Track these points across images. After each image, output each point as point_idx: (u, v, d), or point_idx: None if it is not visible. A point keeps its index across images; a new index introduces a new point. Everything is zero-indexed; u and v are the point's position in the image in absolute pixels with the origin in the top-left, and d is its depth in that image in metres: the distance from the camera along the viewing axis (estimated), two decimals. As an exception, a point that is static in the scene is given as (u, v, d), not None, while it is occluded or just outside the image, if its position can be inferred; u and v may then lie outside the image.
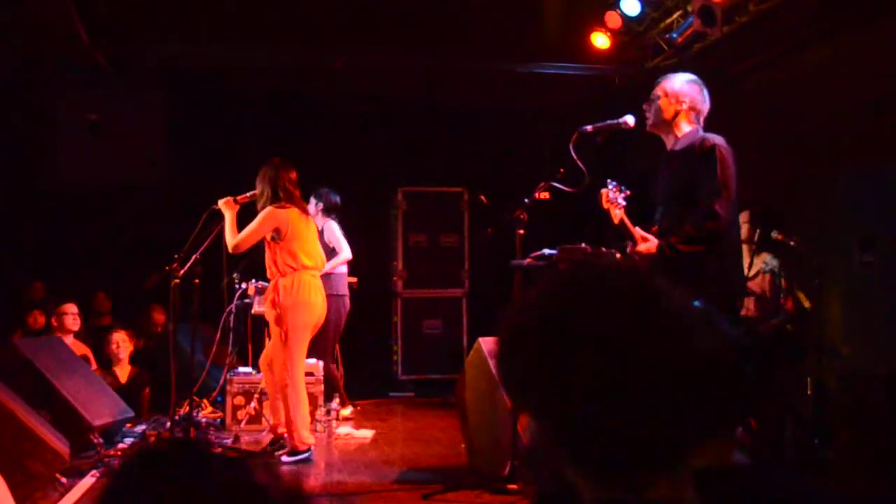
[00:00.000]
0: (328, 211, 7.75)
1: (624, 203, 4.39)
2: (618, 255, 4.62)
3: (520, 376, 1.16)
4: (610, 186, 4.43)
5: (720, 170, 4.26)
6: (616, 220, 4.39)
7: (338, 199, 7.87)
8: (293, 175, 6.12)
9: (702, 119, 4.55)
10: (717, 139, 4.37)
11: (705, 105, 4.54)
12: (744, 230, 6.49)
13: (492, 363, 5.38)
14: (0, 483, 3.36)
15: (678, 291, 1.14)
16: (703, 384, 1.09)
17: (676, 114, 4.49)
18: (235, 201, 6.07)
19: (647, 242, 4.33)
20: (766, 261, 6.55)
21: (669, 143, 4.56)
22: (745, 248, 6.56)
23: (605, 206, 4.42)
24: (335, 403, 7.23)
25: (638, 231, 4.39)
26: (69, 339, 7.52)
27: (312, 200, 7.62)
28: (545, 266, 4.51)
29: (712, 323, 1.15)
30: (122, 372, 7.55)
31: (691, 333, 1.11)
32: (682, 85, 4.52)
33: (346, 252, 7.58)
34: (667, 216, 4.48)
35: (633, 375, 1.07)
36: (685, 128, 4.50)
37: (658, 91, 4.53)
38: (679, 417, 1.08)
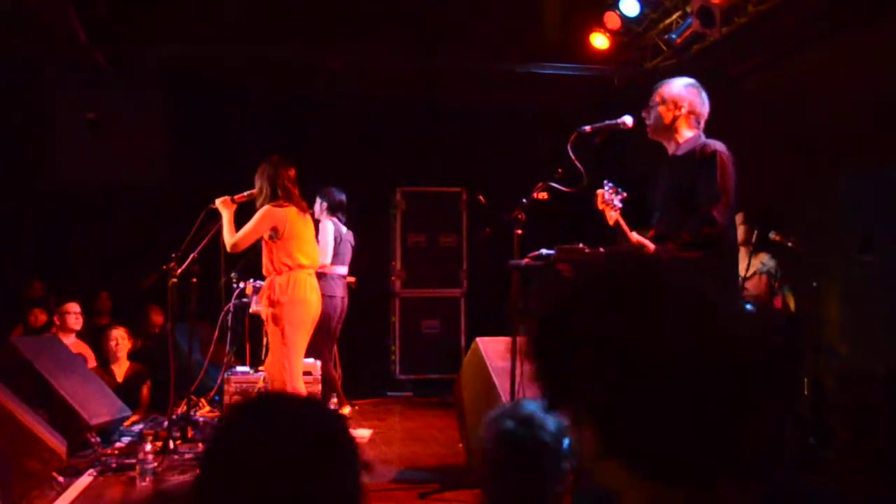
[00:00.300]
0: (332, 209, 7.73)
1: (620, 205, 4.39)
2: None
3: (567, 379, 1.13)
4: (606, 188, 4.42)
5: (720, 176, 4.25)
6: (611, 222, 4.38)
7: (343, 197, 7.85)
8: (292, 173, 6.11)
9: (702, 122, 4.54)
10: (718, 145, 4.36)
11: (704, 108, 4.54)
12: (741, 231, 6.49)
13: (489, 363, 5.38)
14: None
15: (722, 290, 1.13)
16: (754, 377, 1.08)
17: (675, 119, 4.48)
18: (233, 200, 6.06)
19: (643, 243, 4.33)
20: (763, 261, 6.55)
21: (671, 148, 4.55)
22: (742, 249, 6.57)
23: (601, 207, 4.41)
24: (332, 404, 7.22)
25: (634, 235, 4.39)
26: (71, 339, 7.52)
27: (318, 200, 7.62)
28: (543, 266, 4.50)
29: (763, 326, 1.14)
30: (120, 369, 7.55)
31: (743, 335, 1.10)
32: (679, 90, 4.51)
33: (324, 258, 7.36)
34: (664, 220, 4.47)
35: (691, 370, 1.06)
36: (686, 133, 4.49)
37: (656, 97, 4.53)
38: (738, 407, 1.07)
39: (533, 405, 2.31)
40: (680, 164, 4.45)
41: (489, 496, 2.29)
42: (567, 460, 2.22)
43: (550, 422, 2.24)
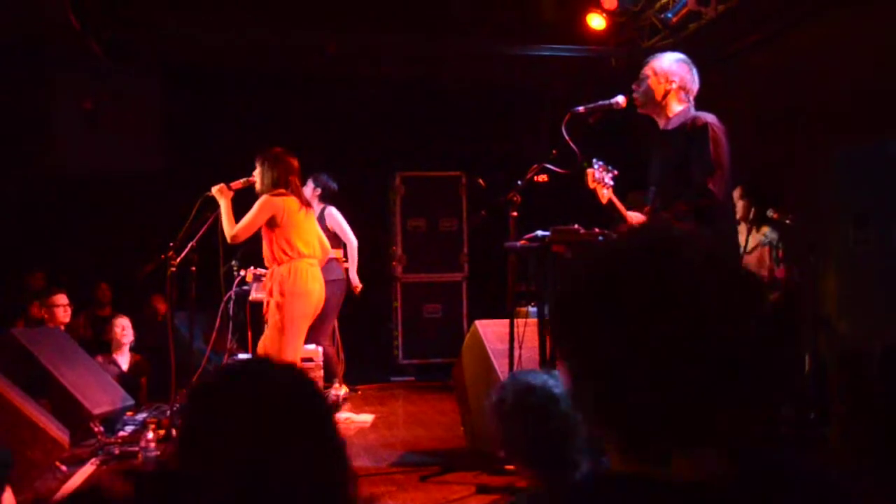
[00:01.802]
0: (325, 197, 7.75)
1: (611, 183, 4.39)
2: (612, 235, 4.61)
3: (575, 331, 1.15)
4: (596, 166, 4.43)
5: (713, 148, 4.26)
6: (604, 200, 4.39)
7: (335, 186, 7.87)
8: (294, 164, 6.11)
9: (692, 98, 4.54)
10: (708, 117, 4.36)
11: (695, 84, 4.54)
12: (740, 206, 6.50)
13: (488, 346, 5.40)
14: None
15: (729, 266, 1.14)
16: (740, 361, 1.08)
17: (666, 93, 4.49)
18: (229, 188, 6.05)
19: (636, 219, 4.34)
20: (765, 233, 6.56)
21: (661, 122, 4.56)
22: (742, 224, 6.58)
23: (592, 185, 4.41)
24: (335, 388, 7.24)
25: (629, 213, 4.40)
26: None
27: (310, 185, 7.62)
28: (538, 248, 4.51)
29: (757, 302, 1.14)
30: (124, 359, 7.57)
31: (734, 311, 1.10)
32: (670, 64, 4.52)
33: (352, 239, 7.63)
34: (660, 196, 4.48)
35: (674, 343, 1.06)
36: (676, 107, 4.50)
37: (647, 71, 4.53)
38: (712, 390, 1.07)
39: (527, 377, 2.35)
40: (671, 138, 4.46)
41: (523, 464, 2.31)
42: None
43: (552, 379, 2.27)
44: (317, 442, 1.36)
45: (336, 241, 7.57)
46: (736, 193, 6.51)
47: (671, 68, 4.50)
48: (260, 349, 6.31)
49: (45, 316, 7.69)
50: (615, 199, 4.39)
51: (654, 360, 1.06)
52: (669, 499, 1.08)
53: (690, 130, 4.33)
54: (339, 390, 7.54)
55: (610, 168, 4.41)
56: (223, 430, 1.29)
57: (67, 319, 7.70)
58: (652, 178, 4.60)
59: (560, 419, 2.20)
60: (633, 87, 4.58)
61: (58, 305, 7.62)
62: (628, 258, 1.13)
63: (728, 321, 1.08)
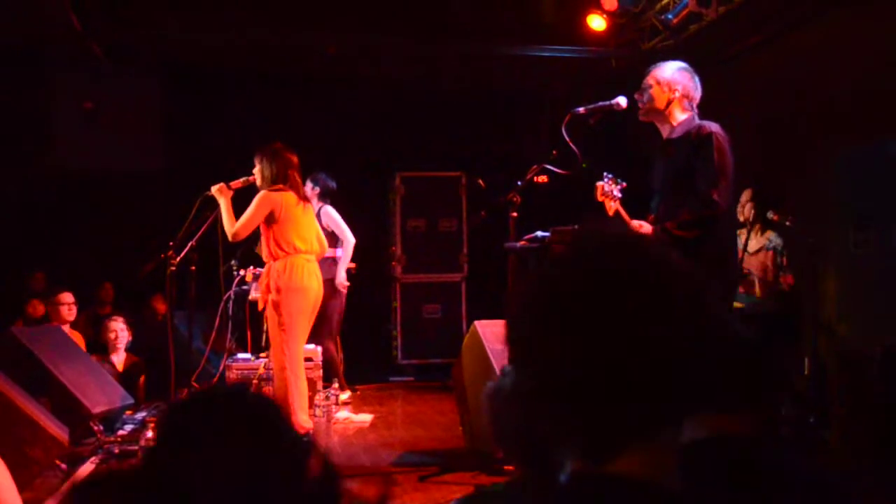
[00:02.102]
0: (324, 196, 7.76)
1: (619, 195, 4.42)
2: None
3: (523, 329, 1.16)
4: (605, 179, 4.45)
5: (717, 157, 4.27)
6: (611, 213, 4.41)
7: (334, 184, 7.88)
8: (293, 159, 6.11)
9: (695, 105, 4.55)
10: (713, 126, 4.37)
11: (697, 92, 4.55)
12: (748, 209, 6.52)
13: (487, 346, 5.39)
14: (4, 472, 3.38)
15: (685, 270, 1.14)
16: (687, 363, 1.08)
17: (669, 102, 4.50)
18: (229, 187, 6.05)
19: (642, 228, 4.34)
20: (770, 238, 6.57)
21: (665, 131, 4.56)
22: (749, 227, 6.59)
23: (600, 198, 4.43)
24: (334, 388, 7.25)
25: (634, 222, 4.41)
26: (65, 329, 7.52)
27: (308, 184, 7.63)
28: (538, 248, 4.52)
29: (715, 313, 1.14)
30: (119, 360, 7.55)
31: (687, 315, 1.10)
32: (673, 73, 4.52)
33: (349, 237, 7.62)
34: (664, 204, 4.49)
35: (617, 346, 1.07)
36: (680, 116, 4.50)
37: (650, 80, 4.54)
38: (652, 392, 1.08)
39: None
40: (676, 147, 4.46)
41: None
42: None
43: None
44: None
45: (334, 240, 7.58)
46: (745, 196, 6.53)
47: (674, 77, 4.50)
48: (271, 355, 6.28)
49: (50, 313, 7.69)
50: (622, 211, 4.41)
51: (609, 364, 1.07)
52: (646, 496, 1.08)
53: (695, 139, 4.34)
54: (342, 393, 7.55)
55: (619, 181, 4.43)
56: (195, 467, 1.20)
57: (72, 318, 7.69)
58: (655, 186, 4.61)
59: None
60: (636, 96, 4.59)
61: (63, 304, 7.61)
62: (573, 267, 1.15)
63: (666, 321, 1.08)
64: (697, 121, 4.46)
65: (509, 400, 1.22)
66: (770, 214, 6.46)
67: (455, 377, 6.05)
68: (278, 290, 5.89)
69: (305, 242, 6.06)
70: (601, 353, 1.07)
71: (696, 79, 4.55)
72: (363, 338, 9.34)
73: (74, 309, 7.71)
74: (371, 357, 9.64)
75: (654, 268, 1.12)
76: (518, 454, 2.30)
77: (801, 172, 6.96)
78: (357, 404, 7.69)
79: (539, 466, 2.27)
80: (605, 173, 4.50)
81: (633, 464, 1.09)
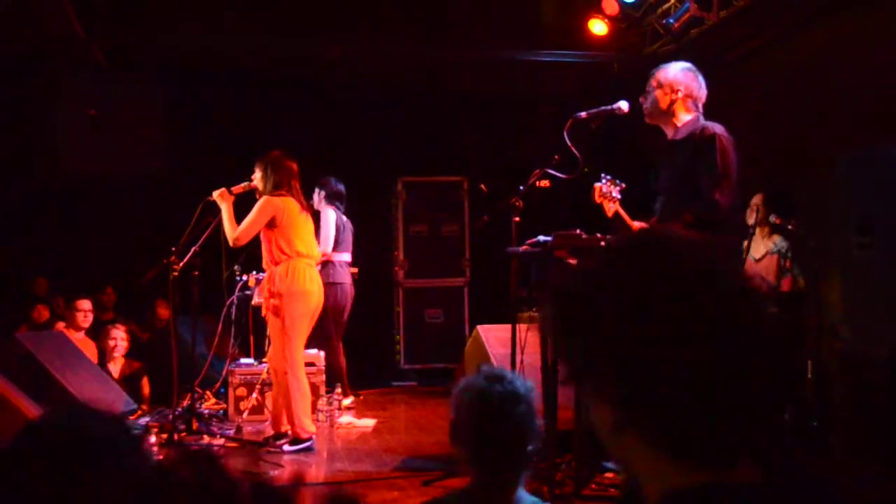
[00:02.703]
0: (330, 198, 7.77)
1: (619, 196, 4.41)
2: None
3: (597, 346, 1.10)
4: (603, 181, 4.45)
5: (720, 159, 4.27)
6: (610, 214, 4.41)
7: (341, 187, 7.90)
8: (293, 167, 6.13)
9: (700, 105, 4.55)
10: (717, 128, 4.37)
11: (702, 91, 4.54)
12: (759, 213, 6.53)
13: (490, 350, 5.40)
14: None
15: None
16: (776, 364, 1.08)
17: (672, 103, 4.50)
18: (230, 192, 6.07)
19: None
20: (775, 242, 6.57)
21: (670, 132, 4.56)
22: (758, 230, 6.60)
23: (598, 200, 4.44)
24: (337, 393, 7.25)
25: (634, 223, 4.41)
26: (80, 335, 7.51)
27: (316, 190, 7.67)
28: (540, 253, 4.51)
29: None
30: (115, 367, 7.53)
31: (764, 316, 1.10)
32: (675, 74, 4.52)
33: (323, 245, 7.39)
34: (668, 206, 4.49)
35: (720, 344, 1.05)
36: (684, 116, 4.50)
37: (653, 82, 4.54)
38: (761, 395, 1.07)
39: (501, 370, 2.35)
40: (679, 149, 4.46)
41: (467, 456, 2.30)
42: (538, 418, 2.25)
43: (519, 380, 2.27)
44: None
45: (342, 247, 7.63)
46: (756, 199, 6.53)
47: (676, 77, 4.50)
48: (270, 359, 6.29)
49: (66, 318, 7.70)
50: (621, 212, 4.41)
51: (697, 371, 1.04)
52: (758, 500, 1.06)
53: (699, 141, 4.34)
54: (345, 398, 7.53)
55: (617, 182, 4.43)
56: None
57: (87, 325, 7.69)
58: (660, 188, 4.61)
59: (518, 418, 2.21)
60: (641, 99, 4.59)
61: (80, 311, 7.63)
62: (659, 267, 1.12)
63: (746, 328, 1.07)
64: (702, 122, 4.46)
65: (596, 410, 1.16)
66: (772, 218, 6.46)
67: (457, 381, 6.04)
68: (280, 295, 5.90)
69: (307, 247, 6.08)
70: (722, 360, 1.05)
71: (701, 78, 4.54)
72: (366, 343, 9.34)
73: (90, 316, 7.72)
74: (374, 362, 9.63)
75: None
76: (474, 451, 2.29)
77: (803, 175, 6.95)
78: (360, 409, 7.68)
79: (492, 463, 2.28)
80: (602, 175, 4.50)
81: (749, 471, 1.07)
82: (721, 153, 4.28)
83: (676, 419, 1.05)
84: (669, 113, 4.52)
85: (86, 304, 7.69)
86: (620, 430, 1.10)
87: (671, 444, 1.07)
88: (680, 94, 4.49)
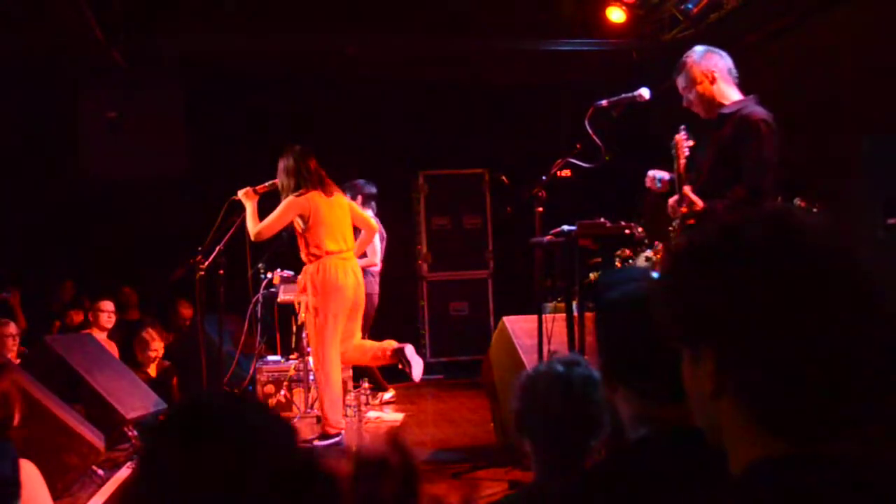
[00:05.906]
0: (366, 202, 7.78)
1: (688, 152, 4.40)
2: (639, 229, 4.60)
3: (712, 307, 1.10)
4: (682, 132, 4.43)
5: (764, 145, 4.24)
6: (682, 168, 4.38)
7: (373, 189, 7.94)
8: (312, 163, 6.15)
9: (734, 75, 4.50)
10: (762, 114, 4.33)
11: (726, 61, 4.49)
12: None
13: (517, 341, 5.39)
14: (37, 478, 3.42)
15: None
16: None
17: (713, 84, 4.45)
18: (255, 191, 6.12)
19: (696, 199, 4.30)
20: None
21: (716, 112, 4.51)
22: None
23: (682, 149, 4.40)
24: (364, 387, 7.25)
25: (686, 188, 4.36)
26: (102, 336, 7.59)
27: (348, 194, 7.65)
28: (564, 242, 4.50)
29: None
30: (153, 367, 7.58)
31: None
32: (699, 61, 4.48)
33: (371, 257, 7.60)
34: (709, 180, 4.45)
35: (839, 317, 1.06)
36: (730, 93, 4.46)
37: (687, 82, 4.47)
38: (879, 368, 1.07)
39: (574, 355, 2.26)
40: (726, 124, 4.41)
41: (536, 447, 2.25)
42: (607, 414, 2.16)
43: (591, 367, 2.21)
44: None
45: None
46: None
47: (703, 64, 4.45)
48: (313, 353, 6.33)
49: (91, 319, 7.79)
50: (684, 173, 4.39)
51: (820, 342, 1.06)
52: (860, 474, 1.05)
53: (744, 124, 4.30)
54: (385, 392, 7.56)
55: (689, 136, 4.42)
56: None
57: (111, 326, 7.78)
58: (701, 163, 4.57)
59: (599, 404, 2.14)
60: (685, 105, 4.54)
61: (104, 311, 7.71)
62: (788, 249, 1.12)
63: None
64: (749, 105, 4.40)
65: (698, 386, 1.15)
66: (797, 201, 6.41)
67: (484, 373, 6.06)
68: (315, 293, 5.98)
69: (337, 243, 6.11)
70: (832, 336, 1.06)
71: (718, 51, 4.51)
72: (391, 337, 9.34)
73: (114, 318, 7.80)
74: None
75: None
76: (547, 441, 2.25)
77: (828, 159, 6.89)
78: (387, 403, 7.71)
79: (565, 453, 2.23)
80: (681, 127, 4.48)
81: (849, 445, 1.07)
82: (766, 139, 4.25)
83: (786, 394, 1.06)
84: (715, 98, 4.47)
85: (109, 306, 7.78)
86: (718, 397, 1.11)
87: (773, 418, 1.08)
88: (716, 75, 4.45)
